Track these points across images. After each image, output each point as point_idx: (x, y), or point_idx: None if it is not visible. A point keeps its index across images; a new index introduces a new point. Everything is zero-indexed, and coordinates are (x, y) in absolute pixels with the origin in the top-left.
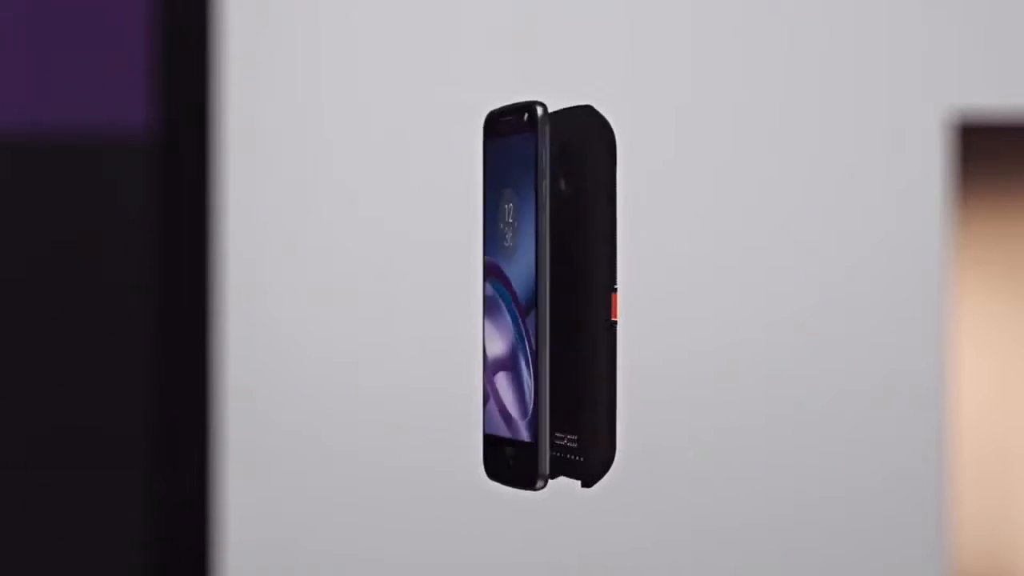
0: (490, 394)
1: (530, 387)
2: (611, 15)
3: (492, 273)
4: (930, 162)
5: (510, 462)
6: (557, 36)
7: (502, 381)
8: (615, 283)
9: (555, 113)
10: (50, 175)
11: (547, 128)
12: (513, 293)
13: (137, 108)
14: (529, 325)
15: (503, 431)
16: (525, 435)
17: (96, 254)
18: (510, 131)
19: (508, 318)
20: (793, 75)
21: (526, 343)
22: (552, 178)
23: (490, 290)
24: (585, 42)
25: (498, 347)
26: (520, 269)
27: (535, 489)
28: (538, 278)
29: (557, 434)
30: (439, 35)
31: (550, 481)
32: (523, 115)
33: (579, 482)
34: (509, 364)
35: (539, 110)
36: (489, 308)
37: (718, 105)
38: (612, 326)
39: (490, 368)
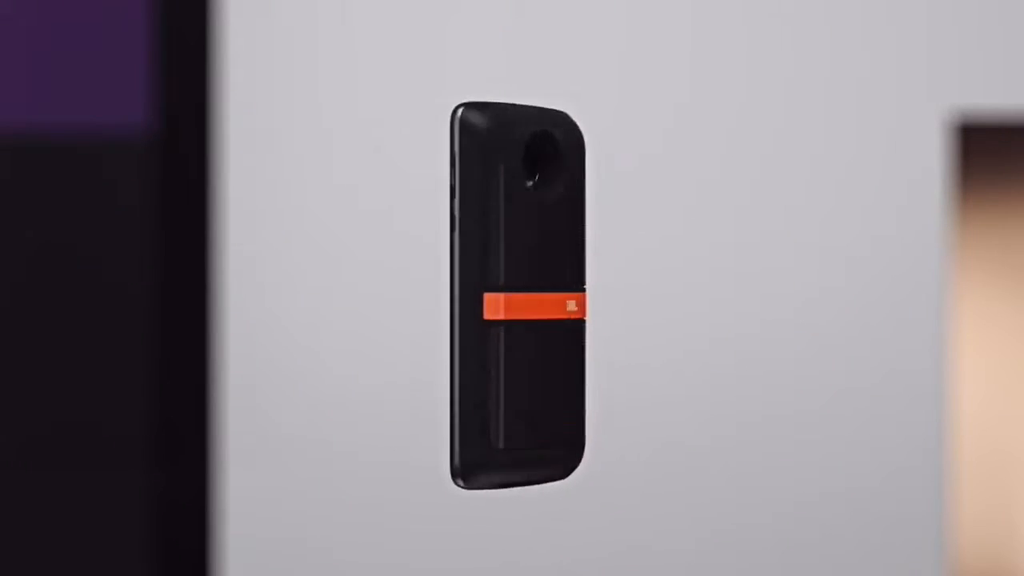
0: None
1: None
2: (612, 14)
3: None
4: (930, 162)
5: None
6: (557, 35)
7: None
8: (491, 281)
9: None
10: (50, 175)
11: (455, 130)
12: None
13: (137, 108)
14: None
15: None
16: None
17: (96, 254)
18: None
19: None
20: (793, 75)
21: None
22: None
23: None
24: (585, 40)
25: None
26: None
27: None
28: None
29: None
30: (439, 34)
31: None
32: None
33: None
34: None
35: (456, 111)
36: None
37: (717, 105)
38: (488, 326)
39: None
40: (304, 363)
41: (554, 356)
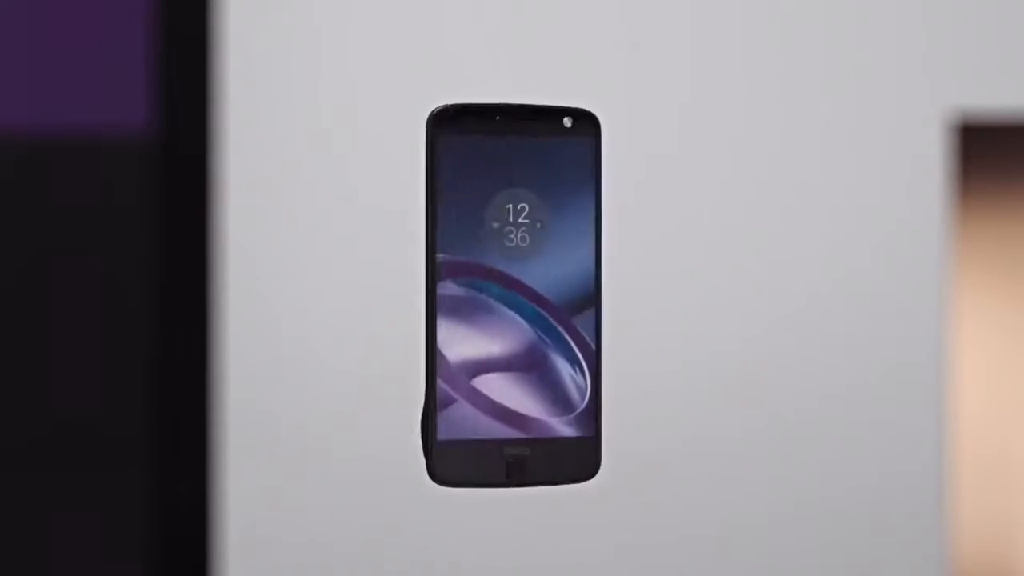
0: (466, 396)
1: (579, 383)
2: (611, 13)
3: (467, 272)
4: (930, 162)
5: (514, 461)
6: (556, 34)
7: (497, 381)
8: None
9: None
10: (50, 175)
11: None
12: (537, 294)
13: (137, 108)
14: (579, 323)
15: (499, 432)
16: (567, 431)
17: (96, 254)
18: (539, 132)
19: (517, 317)
20: (793, 75)
21: (568, 341)
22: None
23: (458, 290)
24: (584, 39)
25: (491, 347)
26: (553, 270)
27: (588, 479)
28: (598, 277)
29: None
30: (439, 33)
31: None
32: (566, 119)
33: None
34: (515, 364)
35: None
36: (460, 308)
37: (716, 105)
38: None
39: (464, 369)
40: (304, 363)
41: None
